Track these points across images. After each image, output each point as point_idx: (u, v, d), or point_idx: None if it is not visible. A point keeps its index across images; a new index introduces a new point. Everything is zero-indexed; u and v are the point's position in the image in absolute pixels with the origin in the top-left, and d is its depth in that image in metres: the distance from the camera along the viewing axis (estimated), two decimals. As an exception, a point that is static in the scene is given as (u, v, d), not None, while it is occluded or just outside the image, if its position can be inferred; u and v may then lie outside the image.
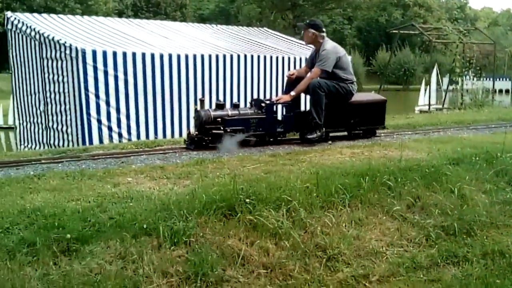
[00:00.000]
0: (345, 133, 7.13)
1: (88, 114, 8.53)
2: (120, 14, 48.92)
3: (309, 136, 6.59)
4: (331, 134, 6.93)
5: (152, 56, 9.30)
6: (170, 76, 9.56)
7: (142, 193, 4.18)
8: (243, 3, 50.41)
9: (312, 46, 7.15)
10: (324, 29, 6.90)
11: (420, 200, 4.60)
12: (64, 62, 8.77)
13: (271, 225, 3.78)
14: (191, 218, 3.70)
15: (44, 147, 9.61)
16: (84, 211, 3.71)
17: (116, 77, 8.83)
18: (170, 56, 9.58)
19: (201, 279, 3.27)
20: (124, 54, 8.93)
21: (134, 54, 9.07)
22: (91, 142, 8.47)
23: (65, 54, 8.68)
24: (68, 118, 8.96)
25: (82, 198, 4.03)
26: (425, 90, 25.96)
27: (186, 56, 9.81)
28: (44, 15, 11.69)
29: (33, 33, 9.82)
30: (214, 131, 6.13)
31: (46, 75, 9.48)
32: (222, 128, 6.16)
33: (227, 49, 11.20)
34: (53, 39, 9.08)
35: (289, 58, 11.61)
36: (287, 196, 4.08)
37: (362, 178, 4.60)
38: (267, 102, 6.58)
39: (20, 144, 11.04)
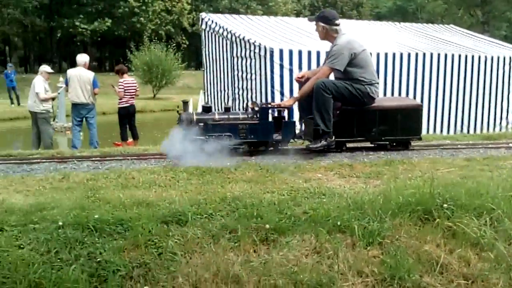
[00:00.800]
0: (370, 144, 6.12)
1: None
2: (298, 14, 50.12)
3: (311, 146, 5.60)
4: (348, 145, 6.00)
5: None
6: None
7: (333, 190, 4.20)
8: (427, 0, 48.48)
9: (329, 42, 6.04)
10: (337, 22, 5.80)
11: None
12: (253, 61, 9.22)
13: (473, 234, 3.53)
14: (386, 219, 3.61)
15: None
16: (279, 203, 3.84)
17: (300, 75, 9.03)
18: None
19: (398, 283, 3.17)
20: (309, 53, 9.10)
21: (318, 53, 9.19)
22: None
23: (254, 52, 9.11)
24: (255, 114, 9.40)
25: (276, 190, 4.18)
26: None
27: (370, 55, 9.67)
28: (234, 15, 12.42)
29: (225, 33, 10.48)
30: (195, 137, 5.39)
31: (236, 72, 10.05)
32: (204, 134, 5.43)
33: (413, 47, 10.81)
34: (243, 38, 9.60)
35: (479, 57, 10.82)
36: (489, 204, 3.78)
37: None
38: (262, 105, 5.77)
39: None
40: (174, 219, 3.55)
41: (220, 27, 10.80)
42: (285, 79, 8.93)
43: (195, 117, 5.55)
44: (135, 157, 5.57)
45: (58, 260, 3.08)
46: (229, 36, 10.31)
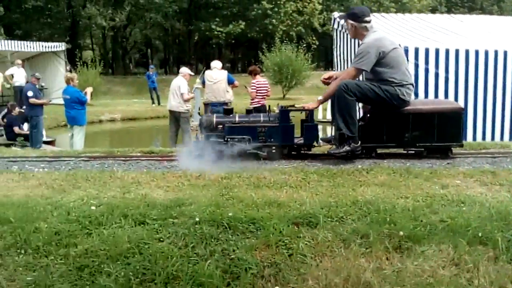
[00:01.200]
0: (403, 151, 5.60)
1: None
2: (433, 11, 47.86)
3: (333, 151, 5.22)
4: (379, 151, 5.51)
5: (476, 53, 8.76)
6: (495, 75, 8.86)
7: (473, 198, 3.96)
8: None
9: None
10: (366, 19, 5.28)
11: None
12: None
13: None
14: (534, 232, 3.31)
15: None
16: (414, 209, 3.70)
17: (436, 75, 8.62)
18: (495, 52, 8.87)
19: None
20: (447, 51, 8.63)
21: (457, 51, 8.69)
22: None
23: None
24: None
25: (410, 196, 4.02)
26: None
27: (515, 53, 8.95)
28: (366, 14, 12.15)
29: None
30: (212, 140, 5.32)
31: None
32: (223, 137, 5.35)
33: None
34: (376, 37, 9.35)
35: None
36: None
37: None
38: (282, 108, 5.47)
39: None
40: (305, 221, 3.57)
41: (352, 27, 10.63)
42: (419, 79, 8.54)
43: (214, 119, 5.54)
44: (267, 157, 5.66)
45: (195, 255, 3.23)
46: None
